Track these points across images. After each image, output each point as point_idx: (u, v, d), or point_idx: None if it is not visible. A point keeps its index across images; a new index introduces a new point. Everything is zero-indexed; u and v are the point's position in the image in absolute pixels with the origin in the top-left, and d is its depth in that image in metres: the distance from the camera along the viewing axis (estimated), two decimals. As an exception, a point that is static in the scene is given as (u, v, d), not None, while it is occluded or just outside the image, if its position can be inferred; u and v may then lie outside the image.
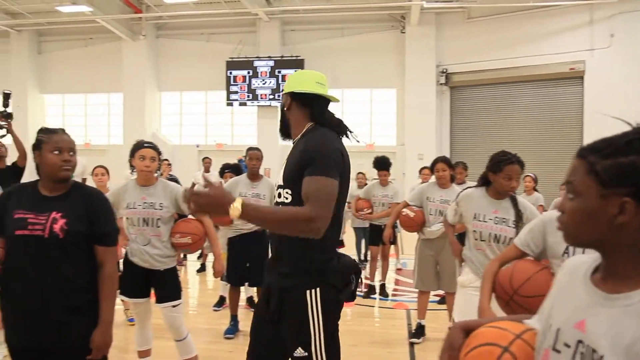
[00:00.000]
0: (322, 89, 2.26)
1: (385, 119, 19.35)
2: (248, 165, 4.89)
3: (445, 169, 4.78)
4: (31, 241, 2.23)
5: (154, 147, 3.60)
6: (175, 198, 3.58)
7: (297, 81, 2.30)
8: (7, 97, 5.45)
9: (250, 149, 4.95)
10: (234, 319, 4.96)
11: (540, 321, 1.23)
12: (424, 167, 7.37)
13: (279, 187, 2.26)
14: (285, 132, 2.46)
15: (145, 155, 3.52)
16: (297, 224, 1.97)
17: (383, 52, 18.56)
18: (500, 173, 3.19)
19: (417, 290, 5.01)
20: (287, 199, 2.18)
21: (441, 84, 18.10)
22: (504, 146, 15.10)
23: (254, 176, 4.92)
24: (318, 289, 2.15)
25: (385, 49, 18.57)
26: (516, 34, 16.89)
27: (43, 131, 2.40)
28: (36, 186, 2.38)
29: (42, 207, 2.29)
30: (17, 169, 5.21)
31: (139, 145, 3.60)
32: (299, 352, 2.16)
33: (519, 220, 3.15)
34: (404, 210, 4.90)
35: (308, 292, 2.14)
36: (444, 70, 17.97)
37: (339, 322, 2.28)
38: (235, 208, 1.87)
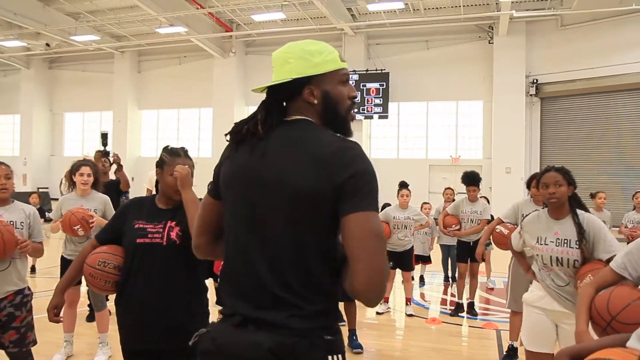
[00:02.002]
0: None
1: (472, 131, 18.91)
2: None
3: (544, 186, 4.61)
4: (152, 249, 2.40)
5: None
6: None
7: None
8: (104, 137, 6.01)
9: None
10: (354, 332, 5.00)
11: None
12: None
13: None
14: None
15: None
16: None
17: (469, 64, 18.19)
18: (541, 185, 3.09)
19: (508, 310, 4.83)
20: None
21: (531, 95, 17.44)
22: (599, 159, 14.33)
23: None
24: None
25: (472, 61, 18.20)
26: (612, 41, 15.97)
27: (167, 151, 2.57)
28: (153, 200, 2.58)
29: (158, 217, 2.48)
30: (119, 190, 5.88)
31: None
32: None
33: (582, 238, 2.93)
34: (498, 227, 4.75)
35: None
36: (534, 81, 17.30)
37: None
38: None
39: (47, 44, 21.48)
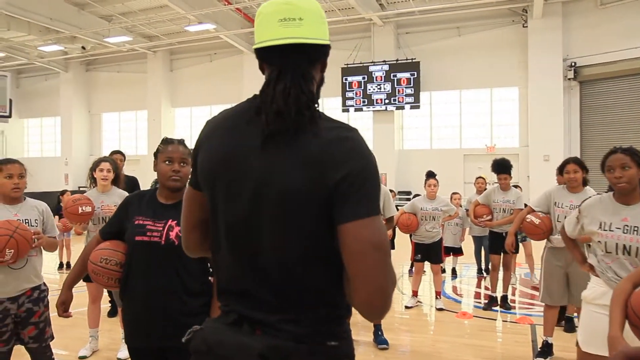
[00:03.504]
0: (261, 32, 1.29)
1: (507, 119, 18.38)
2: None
3: (577, 171, 4.32)
4: (150, 247, 2.35)
5: None
6: None
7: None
8: None
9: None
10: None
11: None
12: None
13: None
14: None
15: None
16: None
17: (503, 49, 17.65)
18: (606, 168, 2.82)
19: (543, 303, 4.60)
20: None
21: (569, 79, 16.76)
22: (645, 144, 13.24)
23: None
24: None
25: (506, 46, 17.65)
26: (656, 18, 15.18)
27: (162, 141, 2.54)
28: (154, 194, 2.52)
29: (159, 214, 2.41)
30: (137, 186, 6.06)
31: None
32: None
33: None
34: (528, 216, 4.51)
35: None
36: (573, 64, 16.61)
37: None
38: None
39: (83, 47, 21.97)
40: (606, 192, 3.03)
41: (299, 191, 1.18)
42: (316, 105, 1.26)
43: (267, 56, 1.29)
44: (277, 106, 1.21)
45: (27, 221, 3.19)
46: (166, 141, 2.52)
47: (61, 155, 25.22)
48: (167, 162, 2.43)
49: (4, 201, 3.18)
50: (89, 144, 25.73)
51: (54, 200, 8.73)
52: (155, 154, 2.51)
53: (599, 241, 2.86)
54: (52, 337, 3.33)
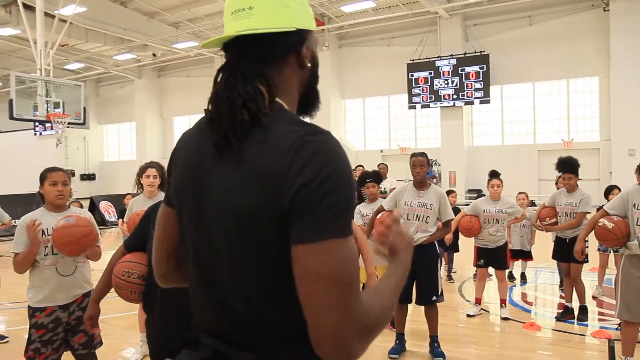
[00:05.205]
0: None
1: (586, 111, 17.19)
2: (412, 173, 4.54)
3: (660, 169, 3.82)
4: None
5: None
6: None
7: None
8: None
9: (413, 154, 4.60)
10: (400, 337, 4.62)
11: None
12: None
13: None
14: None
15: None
16: None
17: (580, 37, 16.51)
18: None
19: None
20: None
21: (658, 65, 15.39)
22: None
23: (420, 184, 4.55)
24: None
25: (583, 33, 16.50)
26: None
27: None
28: None
29: None
30: None
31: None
32: None
33: None
34: (601, 220, 4.03)
35: None
36: (661, 49, 15.25)
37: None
38: None
39: (154, 54, 22.86)
40: None
41: (252, 212, 0.98)
42: (259, 107, 1.03)
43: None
44: (211, 113, 1.08)
45: None
46: None
47: (136, 159, 26.39)
48: None
49: (50, 208, 3.20)
50: (162, 147, 26.77)
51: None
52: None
53: None
54: (101, 343, 3.34)
